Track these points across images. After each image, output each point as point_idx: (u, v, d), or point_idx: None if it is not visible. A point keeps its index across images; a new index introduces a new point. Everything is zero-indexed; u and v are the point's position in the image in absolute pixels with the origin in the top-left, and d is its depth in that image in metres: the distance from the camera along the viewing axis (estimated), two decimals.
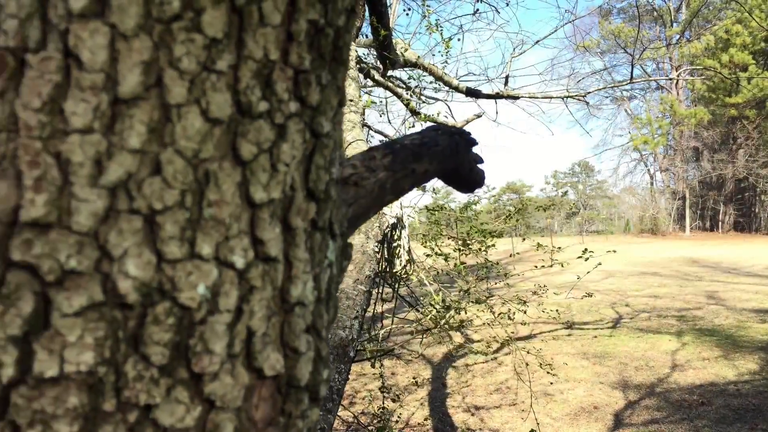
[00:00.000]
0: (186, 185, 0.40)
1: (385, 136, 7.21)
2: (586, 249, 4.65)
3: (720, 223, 34.89)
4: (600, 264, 4.96)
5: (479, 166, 1.04)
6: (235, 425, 0.43)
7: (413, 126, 6.82)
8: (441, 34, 6.13)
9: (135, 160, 0.39)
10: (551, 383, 6.35)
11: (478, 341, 6.24)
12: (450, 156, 0.90)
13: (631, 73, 7.89)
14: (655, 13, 31.06)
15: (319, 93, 0.47)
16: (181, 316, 0.41)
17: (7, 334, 0.37)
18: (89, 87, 0.38)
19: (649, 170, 38.39)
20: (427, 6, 5.79)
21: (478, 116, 7.68)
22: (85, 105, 0.38)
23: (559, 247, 4.92)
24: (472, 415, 6.39)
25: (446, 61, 6.47)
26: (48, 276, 0.37)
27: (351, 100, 3.99)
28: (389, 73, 6.20)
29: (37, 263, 0.37)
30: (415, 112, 6.95)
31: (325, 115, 0.48)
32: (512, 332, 5.61)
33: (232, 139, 0.42)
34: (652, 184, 38.08)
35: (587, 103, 8.68)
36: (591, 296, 6.05)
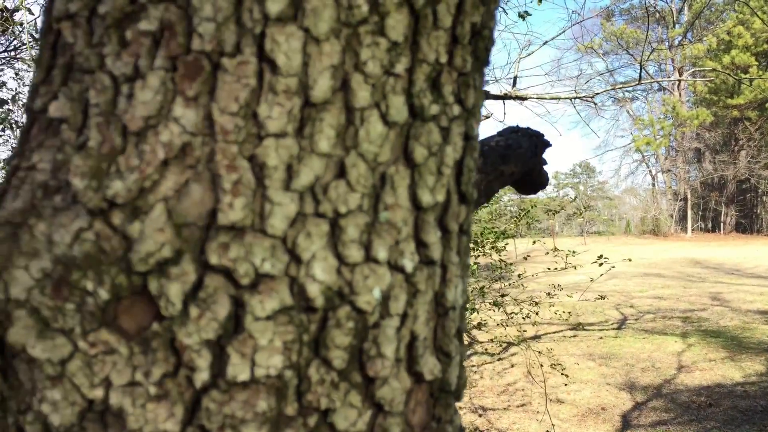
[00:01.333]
0: (367, 189, 0.40)
1: None
2: (601, 255, 4.67)
3: (721, 224, 34.91)
4: (613, 267, 4.96)
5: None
6: (402, 430, 0.43)
7: None
8: None
9: (323, 163, 0.39)
10: (565, 384, 6.35)
11: (487, 341, 6.25)
12: (531, 158, 0.91)
13: (640, 74, 7.88)
14: (657, 15, 31.07)
15: (474, 95, 0.47)
16: (357, 320, 0.41)
17: (202, 338, 0.37)
18: (283, 91, 0.37)
19: (650, 171, 38.39)
20: None
21: (486, 117, 7.67)
22: (279, 109, 0.37)
23: (574, 251, 4.92)
24: (480, 416, 6.39)
25: None
26: (243, 279, 0.37)
27: None
28: None
29: (233, 267, 0.37)
30: None
31: (476, 117, 0.48)
32: (522, 332, 5.61)
33: (404, 142, 0.42)
34: (653, 185, 38.09)
35: (595, 104, 8.68)
36: (604, 298, 6.06)
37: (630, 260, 5.91)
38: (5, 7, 6.06)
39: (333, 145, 0.39)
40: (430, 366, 0.46)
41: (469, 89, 0.46)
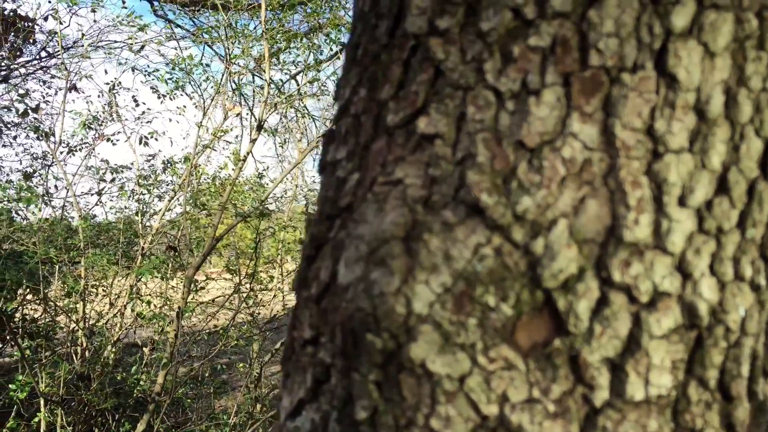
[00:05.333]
0: (743, 205, 0.39)
1: None
2: None
3: None
4: None
5: None
6: None
7: None
8: None
9: (712, 180, 0.38)
10: None
11: None
12: None
13: None
14: None
15: None
16: (728, 339, 0.40)
17: (602, 356, 0.37)
18: (681, 106, 0.37)
19: None
20: None
21: None
22: (678, 124, 0.37)
23: None
24: None
25: None
26: (642, 297, 0.37)
27: None
28: None
29: (635, 284, 0.37)
30: None
31: None
32: None
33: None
34: None
35: None
36: None
37: None
38: (26, 16, 6.21)
39: (723, 161, 0.38)
40: (761, 386, 0.45)
41: None
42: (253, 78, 4.45)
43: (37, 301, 3.92)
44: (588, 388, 0.37)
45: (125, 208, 4.71)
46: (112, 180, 4.84)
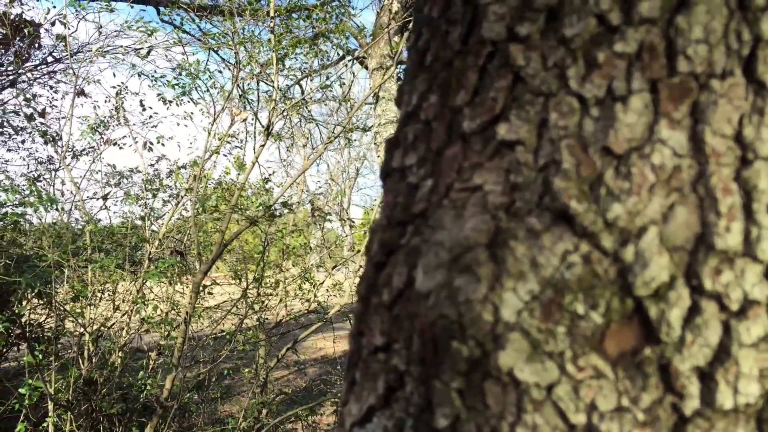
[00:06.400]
0: None
1: None
2: None
3: None
4: None
5: None
6: None
7: None
8: None
9: None
10: None
11: None
12: None
13: None
14: None
15: None
16: None
17: (693, 365, 0.36)
18: None
19: None
20: None
21: None
22: (767, 131, 0.37)
23: None
24: None
25: None
26: (733, 305, 0.37)
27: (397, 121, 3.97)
28: None
29: (725, 292, 0.37)
30: None
31: None
32: None
33: None
34: None
35: None
36: None
37: None
38: (32, 21, 6.22)
39: None
40: None
41: None
42: (258, 84, 4.45)
43: (43, 306, 3.92)
44: (678, 397, 0.37)
45: (129, 212, 4.70)
46: (117, 184, 4.85)
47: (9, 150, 5.86)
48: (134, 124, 4.64)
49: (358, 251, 5.45)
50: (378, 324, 0.45)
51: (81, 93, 4.26)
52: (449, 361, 0.39)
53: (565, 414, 0.37)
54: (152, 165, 4.85)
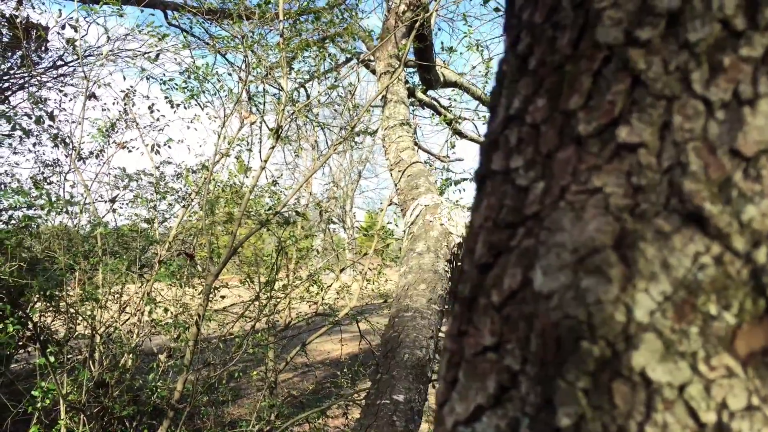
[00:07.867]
0: None
1: (432, 154, 7.20)
2: None
3: None
4: None
5: None
6: None
7: (455, 145, 6.83)
8: (482, 53, 6.06)
9: None
10: None
11: None
12: None
13: None
14: None
15: None
16: None
17: None
18: None
19: None
20: (469, 26, 5.79)
21: None
22: None
23: None
24: None
25: (486, 81, 6.41)
26: None
27: (405, 123, 3.98)
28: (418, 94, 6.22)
29: None
30: (459, 133, 6.94)
31: None
32: None
33: None
34: None
35: None
36: None
37: None
38: (38, 24, 6.22)
39: None
40: None
41: None
42: (264, 87, 4.46)
43: (52, 308, 3.91)
44: None
45: (135, 215, 4.70)
46: (125, 186, 4.84)
47: (15, 152, 5.85)
48: (144, 127, 4.63)
49: (365, 254, 5.45)
50: (487, 324, 0.46)
51: (92, 96, 4.26)
52: (575, 360, 0.39)
53: (696, 413, 0.37)
54: (157, 168, 4.85)
